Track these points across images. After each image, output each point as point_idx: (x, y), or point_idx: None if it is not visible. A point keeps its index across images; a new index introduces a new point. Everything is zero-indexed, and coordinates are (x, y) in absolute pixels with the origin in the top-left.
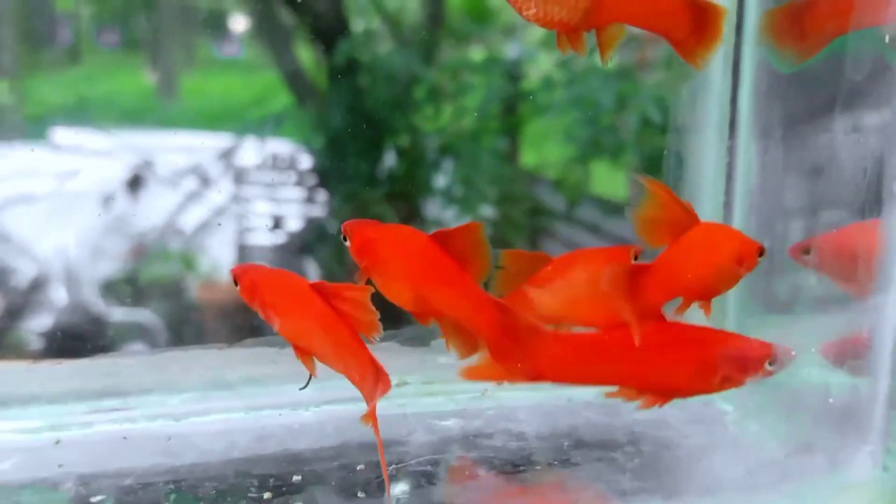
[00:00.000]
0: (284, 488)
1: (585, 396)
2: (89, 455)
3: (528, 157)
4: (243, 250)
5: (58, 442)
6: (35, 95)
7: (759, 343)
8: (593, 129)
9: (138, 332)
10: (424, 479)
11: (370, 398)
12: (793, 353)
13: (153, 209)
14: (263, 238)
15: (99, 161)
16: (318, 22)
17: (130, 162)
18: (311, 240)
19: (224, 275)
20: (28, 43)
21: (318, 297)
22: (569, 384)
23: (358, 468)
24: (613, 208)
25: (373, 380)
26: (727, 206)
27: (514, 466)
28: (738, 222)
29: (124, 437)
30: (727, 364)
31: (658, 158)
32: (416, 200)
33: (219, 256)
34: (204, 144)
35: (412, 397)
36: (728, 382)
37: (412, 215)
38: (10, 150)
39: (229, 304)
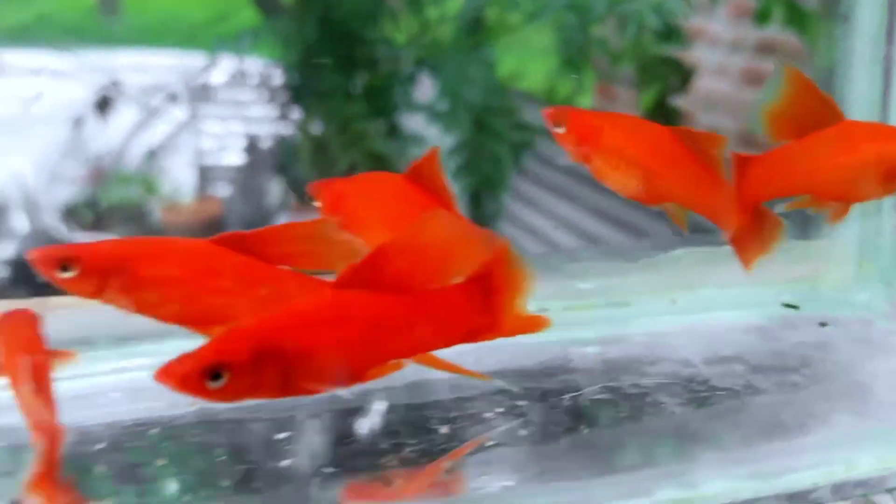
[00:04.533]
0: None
1: (738, 320)
2: None
3: (511, 68)
4: (206, 171)
5: None
6: None
7: None
8: (583, 37)
9: None
10: (610, 407)
11: None
12: None
13: (115, 131)
14: (231, 158)
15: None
16: None
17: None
18: (285, 159)
19: (186, 196)
20: None
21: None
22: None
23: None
24: None
25: None
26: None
27: (693, 393)
28: None
29: None
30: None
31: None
32: (394, 115)
33: (180, 178)
34: (162, 63)
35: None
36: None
37: (392, 131)
38: None
39: (194, 226)
